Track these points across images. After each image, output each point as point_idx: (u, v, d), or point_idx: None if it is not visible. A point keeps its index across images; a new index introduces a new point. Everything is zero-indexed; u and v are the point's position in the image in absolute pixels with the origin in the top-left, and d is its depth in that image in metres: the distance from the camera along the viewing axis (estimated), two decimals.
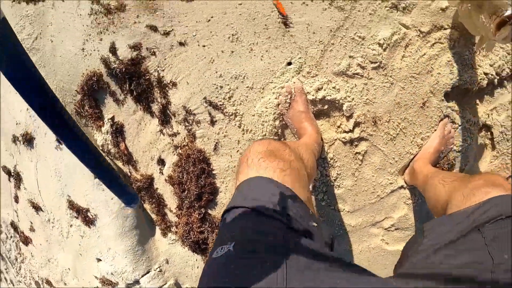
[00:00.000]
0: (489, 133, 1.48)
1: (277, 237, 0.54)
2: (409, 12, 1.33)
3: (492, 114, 1.45)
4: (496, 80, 1.38)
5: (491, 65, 1.37)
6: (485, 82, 1.37)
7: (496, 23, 0.88)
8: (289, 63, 1.35)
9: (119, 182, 0.65)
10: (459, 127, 1.39)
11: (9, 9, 1.93)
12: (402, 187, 1.49)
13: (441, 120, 1.37)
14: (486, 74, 1.36)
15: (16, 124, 1.99)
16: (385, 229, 1.59)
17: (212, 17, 1.37)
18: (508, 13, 0.85)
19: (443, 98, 1.36)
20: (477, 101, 1.44)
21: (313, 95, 1.36)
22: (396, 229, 1.60)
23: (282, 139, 1.45)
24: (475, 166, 1.53)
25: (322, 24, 1.33)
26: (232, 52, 1.35)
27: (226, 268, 0.50)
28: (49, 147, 1.81)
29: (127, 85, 1.43)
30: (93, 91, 1.56)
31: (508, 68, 1.37)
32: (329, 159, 1.46)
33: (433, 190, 1.00)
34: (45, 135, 1.84)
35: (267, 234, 0.54)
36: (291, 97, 1.35)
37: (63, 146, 1.71)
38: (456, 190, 0.79)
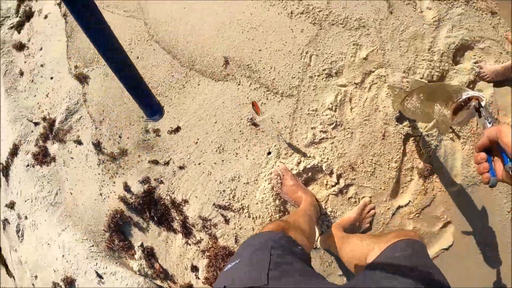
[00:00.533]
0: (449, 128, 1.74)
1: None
2: (341, 73, 1.67)
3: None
4: None
5: (421, 78, 1.69)
6: None
7: (452, 108, 0.92)
8: (269, 153, 1.65)
9: (146, 89, 0.62)
10: (420, 138, 1.66)
11: (25, 173, 2.24)
12: (399, 206, 1.70)
13: (363, 199, 1.64)
14: None
15: (54, 271, 2.20)
16: None
17: (198, 139, 1.68)
18: (463, 98, 0.89)
19: (396, 123, 1.65)
20: None
21: (296, 169, 1.64)
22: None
23: (286, 213, 1.70)
24: (451, 159, 1.75)
25: (281, 113, 1.65)
26: (223, 161, 1.65)
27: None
28: (91, 283, 2.01)
29: (147, 213, 1.70)
30: (119, 226, 1.81)
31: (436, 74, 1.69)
32: (329, 213, 1.70)
33: (351, 246, 1.19)
34: (85, 273, 2.05)
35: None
36: (280, 177, 1.63)
37: (104, 280, 1.93)
38: (374, 243, 0.99)
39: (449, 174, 1.70)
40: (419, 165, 1.67)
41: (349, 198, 1.69)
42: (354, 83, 1.67)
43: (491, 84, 1.84)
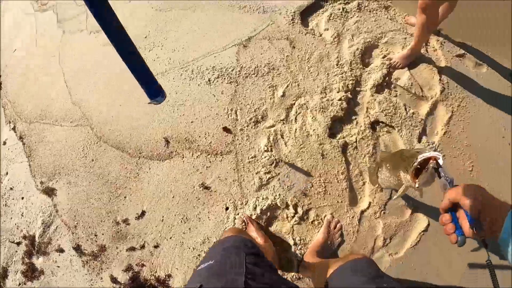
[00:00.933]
0: (380, 123, 1.92)
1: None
2: (267, 116, 1.88)
3: (369, 112, 1.91)
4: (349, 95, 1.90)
5: (338, 92, 1.91)
6: (344, 104, 1.88)
7: (412, 173, 0.94)
8: (227, 208, 1.82)
9: (147, 71, 0.74)
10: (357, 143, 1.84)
11: None
12: (363, 211, 1.83)
13: (326, 217, 1.74)
14: (340, 99, 1.88)
15: None
16: (384, 246, 1.89)
17: (163, 216, 1.85)
18: (418, 161, 0.92)
19: (330, 140, 1.84)
20: (352, 118, 1.92)
21: (254, 214, 1.81)
22: (391, 238, 1.90)
23: None
24: (395, 148, 1.88)
25: (226, 170, 1.84)
26: (190, 229, 1.81)
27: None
28: None
29: None
30: None
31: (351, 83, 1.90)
32: (299, 242, 1.85)
33: (322, 272, 1.27)
34: None
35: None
36: (245, 223, 1.79)
37: None
38: (335, 264, 1.09)
39: None
40: (367, 175, 1.83)
41: (312, 222, 1.84)
42: (281, 120, 1.88)
43: (406, 69, 2.06)
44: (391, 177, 1.19)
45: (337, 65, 1.97)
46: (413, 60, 2.07)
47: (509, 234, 0.62)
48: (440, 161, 0.89)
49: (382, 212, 1.82)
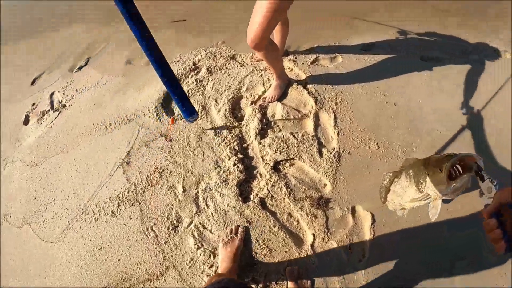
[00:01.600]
0: (280, 162, 1.99)
1: None
2: (180, 217, 1.88)
3: (265, 160, 1.96)
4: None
5: (229, 159, 1.96)
6: (240, 166, 1.94)
7: (446, 174, 0.82)
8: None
9: (183, 94, 1.13)
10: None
11: None
12: (312, 244, 1.80)
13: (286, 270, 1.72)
14: (234, 164, 1.95)
15: None
16: (349, 258, 1.92)
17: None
18: (459, 156, 0.80)
19: (247, 204, 1.86)
20: (254, 172, 1.97)
21: None
22: (350, 249, 1.94)
23: None
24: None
25: (174, 285, 1.80)
26: None
27: None
28: None
29: None
30: None
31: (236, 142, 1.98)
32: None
33: None
34: None
35: None
36: (228, 238, 1.77)
37: None
38: None
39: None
40: (295, 212, 1.88)
41: (277, 283, 1.82)
42: (195, 214, 1.87)
43: (276, 102, 2.15)
44: (408, 187, 1.03)
45: (215, 135, 2.03)
46: (282, 91, 2.20)
47: None
48: (481, 163, 0.79)
49: (328, 233, 1.87)
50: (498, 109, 2.29)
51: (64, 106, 2.49)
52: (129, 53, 2.59)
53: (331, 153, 2.00)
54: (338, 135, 2.06)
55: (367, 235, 1.85)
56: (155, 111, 2.14)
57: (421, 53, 2.66)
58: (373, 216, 1.87)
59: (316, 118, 2.13)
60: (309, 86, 2.25)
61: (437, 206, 0.93)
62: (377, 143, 2.09)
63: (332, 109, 2.16)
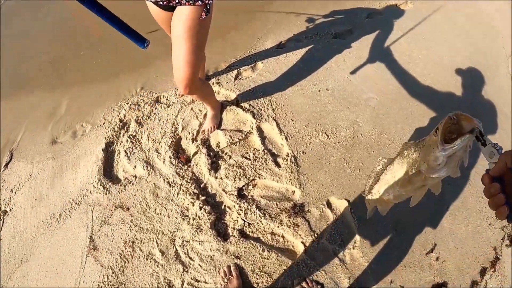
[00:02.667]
0: (243, 187, 2.02)
1: None
2: (171, 281, 1.85)
3: (227, 191, 1.98)
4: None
5: (193, 205, 1.96)
6: (207, 207, 1.95)
7: (443, 131, 0.72)
8: None
9: (130, 28, 1.44)
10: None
11: None
12: (306, 251, 1.84)
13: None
14: (200, 208, 1.95)
15: None
16: (342, 249, 1.98)
17: None
18: (453, 114, 0.71)
19: (229, 241, 1.88)
20: (222, 208, 1.97)
21: None
22: (341, 239, 2.02)
23: None
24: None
25: None
26: None
27: None
28: None
29: None
30: None
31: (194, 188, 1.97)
32: None
33: None
34: None
35: None
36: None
37: None
38: None
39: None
40: (276, 229, 1.90)
41: None
42: (183, 272, 1.76)
43: (216, 131, 2.14)
44: (399, 170, 0.94)
45: (170, 186, 2.00)
46: (218, 119, 2.19)
47: None
48: (481, 128, 0.71)
49: (315, 235, 1.88)
50: (420, 53, 2.49)
51: (5, 212, 2.30)
52: (49, 132, 2.43)
53: (287, 160, 2.05)
54: (286, 140, 2.12)
55: (351, 220, 1.94)
56: (100, 184, 2.04)
57: (333, 31, 2.77)
58: (348, 201, 1.96)
59: (260, 131, 2.16)
60: (242, 104, 2.26)
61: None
62: (325, 133, 2.17)
63: (271, 117, 2.20)
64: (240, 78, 2.42)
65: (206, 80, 2.37)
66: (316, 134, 2.15)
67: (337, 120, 2.23)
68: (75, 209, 2.05)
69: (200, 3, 1.36)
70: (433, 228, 1.95)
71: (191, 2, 1.36)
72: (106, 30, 2.27)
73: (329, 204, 1.97)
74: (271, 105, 2.26)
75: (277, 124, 2.16)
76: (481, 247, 1.91)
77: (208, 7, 1.40)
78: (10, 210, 2.33)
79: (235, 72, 2.44)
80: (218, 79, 2.41)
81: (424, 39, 2.72)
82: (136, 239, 1.92)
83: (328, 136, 2.15)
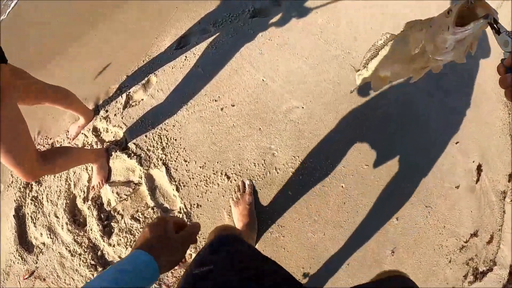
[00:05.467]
0: None
1: None
2: None
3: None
4: None
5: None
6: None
7: (456, 12, 0.69)
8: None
9: None
10: None
11: None
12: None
13: None
14: None
15: None
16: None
17: None
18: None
19: None
20: None
21: None
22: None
23: None
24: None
25: None
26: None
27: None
28: None
29: None
30: None
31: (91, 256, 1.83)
32: None
33: None
34: None
35: None
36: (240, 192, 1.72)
37: None
38: None
39: None
40: None
41: None
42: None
43: (104, 186, 1.90)
44: (403, 47, 0.90)
45: (72, 255, 1.89)
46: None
47: None
48: (497, 16, 0.68)
49: None
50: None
51: None
52: None
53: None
54: (178, 190, 1.76)
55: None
56: (18, 255, 2.04)
57: (251, 7, 2.03)
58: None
59: (150, 180, 1.83)
60: (130, 144, 1.89)
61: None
62: (225, 174, 1.76)
63: (160, 160, 1.83)
64: (129, 106, 1.99)
65: (96, 113, 2.00)
66: (214, 178, 1.74)
67: (243, 151, 1.75)
68: (6, 280, 2.11)
69: None
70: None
71: None
72: None
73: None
74: (161, 142, 1.85)
75: (167, 169, 1.79)
76: None
77: None
78: None
79: (124, 96, 2.00)
80: (107, 111, 2.01)
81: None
82: None
83: (229, 177, 1.72)
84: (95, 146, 1.94)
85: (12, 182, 2.19)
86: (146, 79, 2.01)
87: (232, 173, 1.73)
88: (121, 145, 1.92)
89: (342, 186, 1.72)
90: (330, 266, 1.65)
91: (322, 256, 1.66)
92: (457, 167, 1.74)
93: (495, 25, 0.67)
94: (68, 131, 2.05)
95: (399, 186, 1.70)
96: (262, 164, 1.73)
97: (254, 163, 1.73)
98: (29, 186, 2.11)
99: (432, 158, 1.74)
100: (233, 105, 1.82)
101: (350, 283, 1.63)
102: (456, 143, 1.76)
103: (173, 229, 0.73)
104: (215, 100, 1.85)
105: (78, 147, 1.94)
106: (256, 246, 1.68)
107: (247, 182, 1.71)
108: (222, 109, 1.83)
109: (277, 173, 1.72)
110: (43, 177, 2.06)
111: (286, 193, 1.70)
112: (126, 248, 1.79)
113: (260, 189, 1.71)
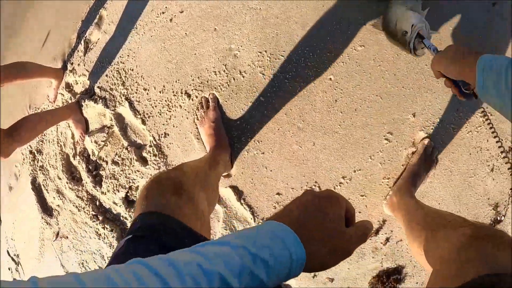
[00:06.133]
0: None
1: None
2: None
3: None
4: None
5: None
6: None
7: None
8: None
9: None
10: None
11: None
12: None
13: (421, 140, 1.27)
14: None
15: None
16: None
17: None
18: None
19: None
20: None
21: None
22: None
23: None
24: None
25: None
26: None
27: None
28: None
29: None
30: None
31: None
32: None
33: (414, 233, 0.94)
34: None
35: None
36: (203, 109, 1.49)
37: None
38: (444, 252, 0.69)
39: None
40: None
41: None
42: None
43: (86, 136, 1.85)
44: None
45: (78, 210, 1.92)
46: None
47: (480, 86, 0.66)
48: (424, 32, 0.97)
49: None
50: None
51: None
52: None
53: (150, 152, 1.62)
54: (144, 124, 1.63)
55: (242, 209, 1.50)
56: (45, 222, 2.16)
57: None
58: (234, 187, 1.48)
59: (119, 120, 1.72)
60: (96, 90, 1.78)
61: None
62: (185, 92, 1.58)
63: (123, 96, 1.69)
64: (89, 50, 1.86)
65: (64, 69, 1.93)
66: (175, 100, 1.55)
67: (200, 61, 1.52)
68: (43, 246, 2.28)
69: None
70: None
71: None
72: None
73: None
74: (121, 77, 1.70)
75: (130, 104, 1.65)
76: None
77: None
78: None
79: (83, 42, 1.88)
80: (72, 63, 1.93)
81: None
82: (84, 260, 2.03)
83: (189, 95, 1.52)
84: (70, 102, 1.88)
85: (23, 159, 2.29)
86: (97, 16, 1.85)
87: (192, 90, 1.51)
88: (90, 93, 1.82)
89: (331, 79, 1.36)
90: (329, 185, 1.36)
91: (316, 172, 1.37)
92: None
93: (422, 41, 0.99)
94: (48, 96, 2.03)
95: (416, 67, 1.28)
96: (224, 71, 1.46)
97: (215, 72, 1.48)
98: (35, 158, 2.19)
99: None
100: (182, 11, 1.56)
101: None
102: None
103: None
104: (163, 12, 1.61)
105: (45, 110, 1.93)
106: (234, 169, 1.46)
107: (209, 96, 1.48)
108: (171, 19, 1.59)
109: (243, 77, 1.44)
110: (41, 144, 2.11)
111: (258, 99, 1.42)
112: (115, 193, 1.74)
113: (226, 101, 1.46)
